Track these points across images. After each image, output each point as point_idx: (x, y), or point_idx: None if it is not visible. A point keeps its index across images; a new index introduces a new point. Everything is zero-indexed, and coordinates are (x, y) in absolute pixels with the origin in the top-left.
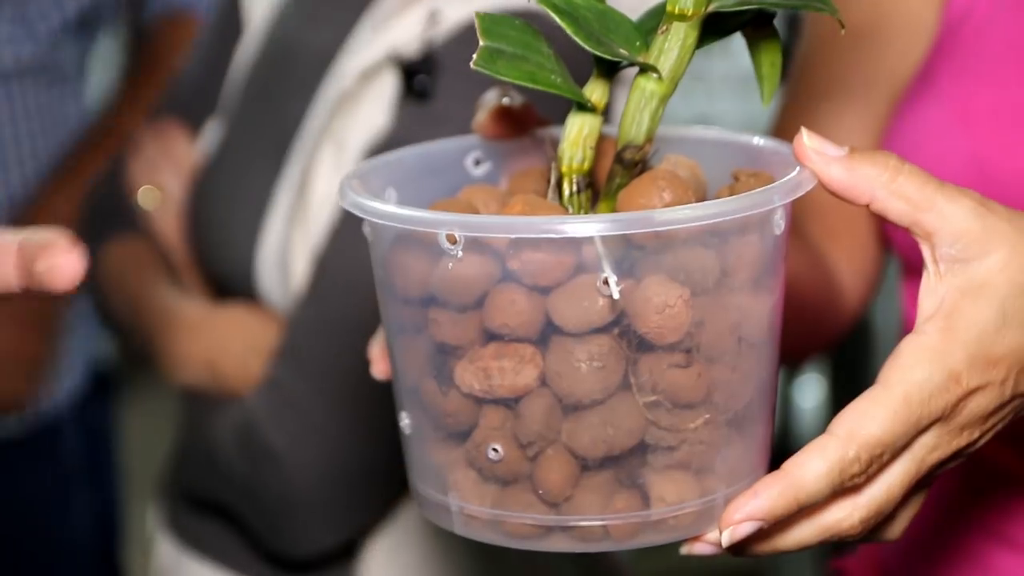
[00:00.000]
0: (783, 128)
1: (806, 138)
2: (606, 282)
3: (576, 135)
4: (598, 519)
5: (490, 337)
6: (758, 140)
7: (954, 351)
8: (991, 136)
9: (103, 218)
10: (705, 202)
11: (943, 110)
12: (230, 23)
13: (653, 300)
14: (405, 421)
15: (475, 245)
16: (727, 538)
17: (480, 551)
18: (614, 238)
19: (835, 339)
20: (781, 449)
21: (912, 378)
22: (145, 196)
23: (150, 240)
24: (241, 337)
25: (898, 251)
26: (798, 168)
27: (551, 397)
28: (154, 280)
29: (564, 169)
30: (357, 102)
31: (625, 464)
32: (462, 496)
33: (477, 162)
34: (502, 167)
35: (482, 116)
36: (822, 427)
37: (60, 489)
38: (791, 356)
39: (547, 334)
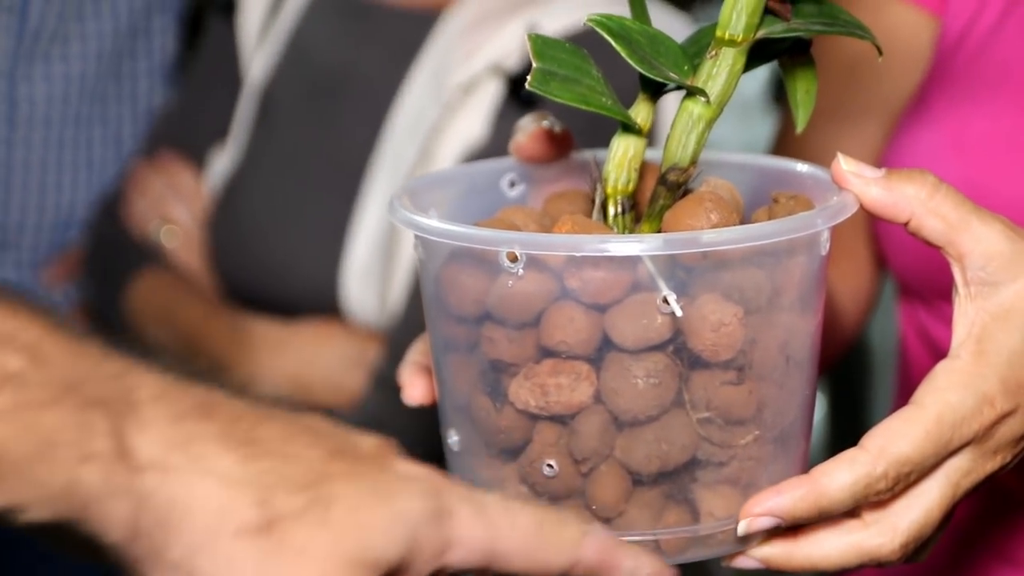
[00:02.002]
0: (780, 153)
1: (843, 162)
2: (666, 300)
3: (622, 156)
4: (649, 534)
5: (546, 354)
6: (800, 167)
7: (987, 375)
8: (985, 162)
9: (113, 257)
10: (760, 223)
11: (937, 135)
12: (222, 51)
13: (709, 318)
14: (453, 438)
15: (535, 263)
16: (743, 528)
17: None
18: (664, 258)
19: (832, 360)
20: None
21: (946, 400)
22: (159, 231)
23: (174, 271)
24: (329, 351)
25: (893, 272)
26: (842, 191)
27: (606, 413)
28: (211, 304)
29: (609, 190)
30: (453, 115)
31: (677, 480)
32: None
33: (512, 184)
34: (535, 189)
35: (521, 138)
36: (823, 444)
37: None
38: None
39: (603, 351)
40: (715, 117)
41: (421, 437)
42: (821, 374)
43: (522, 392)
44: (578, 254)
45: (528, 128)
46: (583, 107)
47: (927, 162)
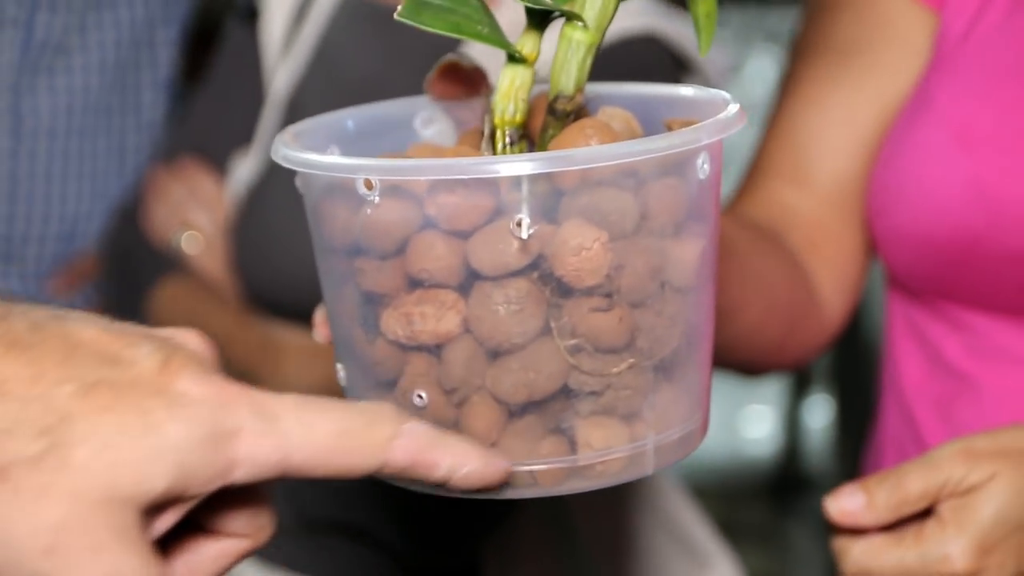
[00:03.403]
0: (770, 144)
1: (831, 508)
2: (519, 224)
3: (508, 87)
4: (524, 465)
5: (413, 284)
6: (692, 91)
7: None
8: (992, 159)
9: (134, 264)
10: (621, 143)
11: (943, 131)
12: (243, 58)
13: (570, 243)
14: (341, 373)
15: (393, 191)
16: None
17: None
18: (534, 181)
19: (816, 347)
20: (790, 467)
21: None
22: (182, 238)
23: (196, 279)
24: None
25: (887, 266)
26: (726, 111)
27: (473, 343)
28: (238, 312)
29: (497, 121)
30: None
31: (550, 410)
32: None
33: (426, 122)
34: (456, 128)
35: (431, 74)
36: (830, 447)
37: None
38: (768, 358)
39: (468, 280)
40: (596, 42)
41: None
42: (803, 363)
43: (391, 322)
44: (425, 178)
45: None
46: (456, 35)
47: (933, 158)
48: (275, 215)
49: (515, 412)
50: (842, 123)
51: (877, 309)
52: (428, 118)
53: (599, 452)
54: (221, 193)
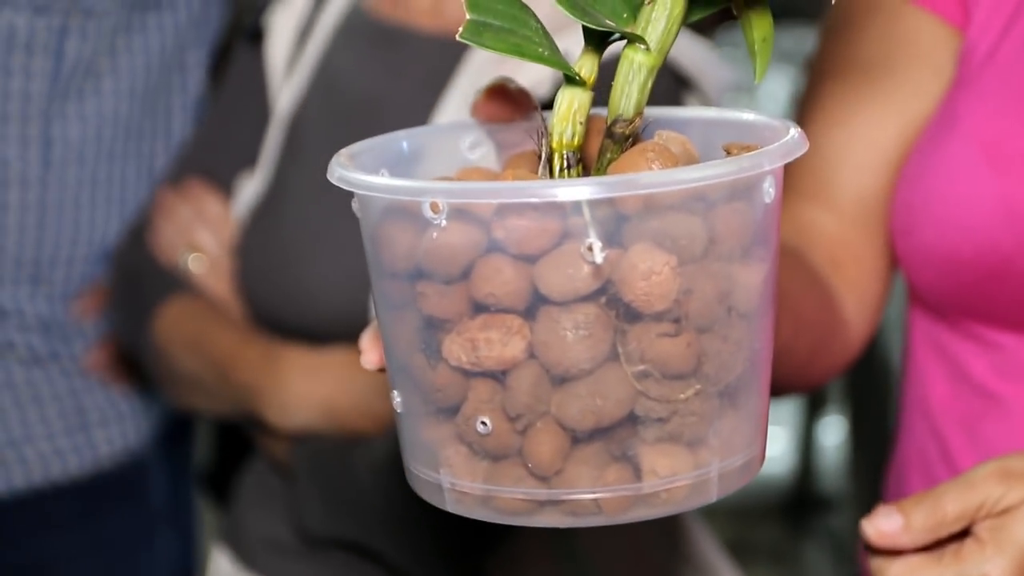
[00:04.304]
0: (792, 162)
1: (868, 529)
2: (590, 248)
3: (566, 110)
4: (589, 492)
5: (477, 309)
6: (750, 116)
7: None
8: (1022, 179)
9: (140, 285)
10: (690, 166)
11: (971, 150)
12: (249, 79)
13: (639, 267)
14: (397, 399)
15: (460, 214)
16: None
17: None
18: (600, 205)
19: (839, 367)
20: (804, 487)
21: None
22: (187, 258)
23: (202, 298)
24: (361, 377)
25: (914, 286)
26: (789, 135)
27: (539, 368)
28: (242, 331)
29: (554, 144)
30: None
31: (615, 436)
32: (453, 473)
33: (473, 146)
34: (499, 151)
35: (478, 97)
36: (844, 466)
37: (147, 529)
38: (793, 380)
39: (535, 304)
40: (657, 65)
41: None
42: (825, 383)
43: (454, 348)
44: (496, 201)
45: (484, 88)
46: (518, 57)
47: (961, 178)
48: (280, 235)
49: (580, 439)
50: (866, 141)
51: (892, 328)
52: (475, 142)
53: (664, 479)
54: (227, 213)
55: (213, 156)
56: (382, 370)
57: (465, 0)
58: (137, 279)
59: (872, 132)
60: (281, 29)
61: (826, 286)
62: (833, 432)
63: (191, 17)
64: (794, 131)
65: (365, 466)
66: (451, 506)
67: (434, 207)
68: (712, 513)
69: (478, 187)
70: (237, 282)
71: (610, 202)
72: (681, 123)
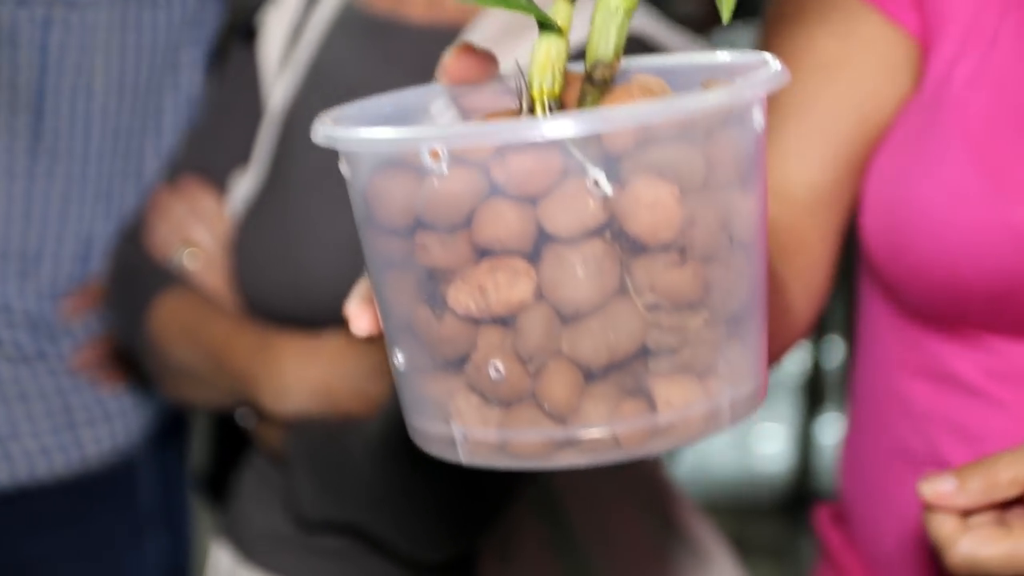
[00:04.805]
0: None
1: (925, 490)
2: (596, 182)
3: (544, 58)
4: (607, 428)
5: (482, 254)
6: (725, 55)
7: None
8: None
9: (136, 281)
10: (686, 96)
11: (971, 176)
12: (243, 77)
13: (643, 198)
14: (399, 358)
15: (458, 160)
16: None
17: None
18: (593, 144)
19: (781, 353)
20: (801, 484)
21: None
22: (183, 254)
23: (197, 291)
24: (354, 361)
25: (908, 300)
26: (771, 66)
27: (548, 308)
28: (236, 320)
29: (535, 93)
30: None
31: (629, 370)
32: (465, 423)
33: (442, 111)
34: (467, 115)
35: (445, 59)
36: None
37: (135, 530)
38: None
39: (539, 245)
40: (633, 6)
41: None
42: (771, 366)
43: (461, 296)
44: (500, 142)
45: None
46: (497, 6)
47: (966, 204)
48: (275, 229)
49: (594, 375)
50: (821, 135)
51: None
52: (444, 105)
53: (679, 410)
54: (222, 210)
55: (207, 154)
56: (371, 339)
57: None
58: (133, 275)
59: (827, 125)
60: (274, 27)
61: (772, 272)
62: (831, 430)
63: (185, 16)
64: (773, 62)
65: (358, 447)
66: (465, 457)
67: (433, 155)
68: (710, 510)
69: (478, 130)
70: (233, 275)
71: (596, 140)
72: (656, 70)
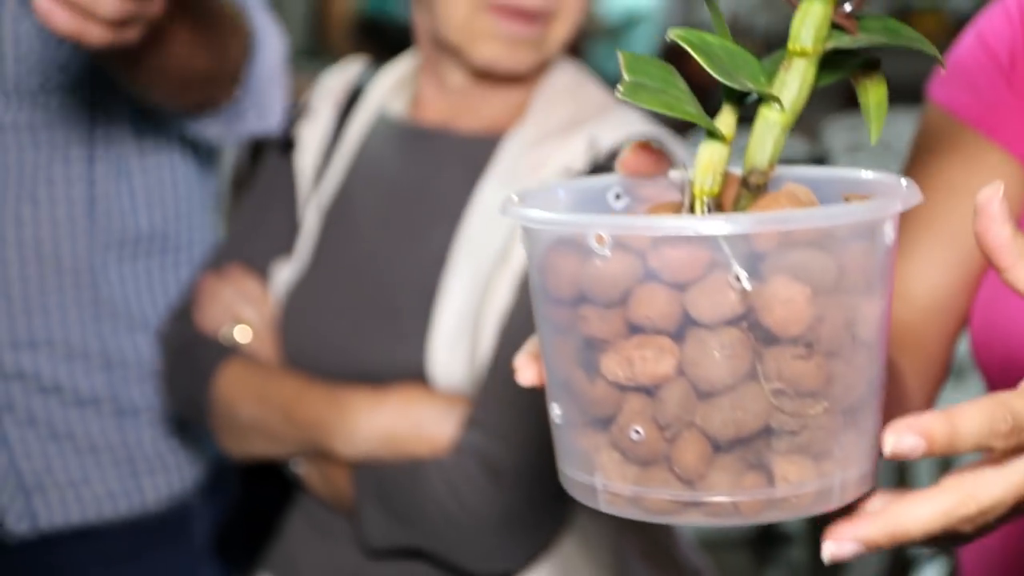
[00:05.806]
0: None
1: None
2: (737, 278)
3: (707, 161)
4: (728, 495)
5: (633, 330)
6: (867, 173)
7: None
8: None
9: (192, 353)
10: (826, 207)
11: None
12: (279, 182)
13: (779, 295)
14: (556, 412)
15: (620, 245)
16: (830, 551)
17: None
18: (740, 242)
19: None
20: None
21: None
22: (234, 331)
23: (257, 358)
24: (419, 406)
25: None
26: (905, 187)
27: (687, 384)
28: (303, 378)
29: (696, 191)
30: None
31: (752, 446)
32: (606, 476)
33: (617, 196)
34: (638, 202)
35: (625, 153)
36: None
37: (189, 565)
38: None
39: (684, 327)
40: (790, 123)
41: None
42: None
43: (612, 365)
44: (655, 235)
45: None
46: (669, 113)
47: None
48: (325, 313)
49: (721, 447)
50: (944, 249)
51: None
52: (619, 193)
53: (794, 486)
54: (266, 293)
55: (248, 246)
56: (532, 389)
57: (623, 63)
58: (190, 351)
59: (950, 240)
60: (309, 140)
61: (891, 364)
62: None
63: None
64: (909, 184)
65: (429, 488)
66: (604, 506)
67: (599, 239)
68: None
69: (640, 222)
70: (282, 347)
71: (751, 238)
72: (805, 180)
